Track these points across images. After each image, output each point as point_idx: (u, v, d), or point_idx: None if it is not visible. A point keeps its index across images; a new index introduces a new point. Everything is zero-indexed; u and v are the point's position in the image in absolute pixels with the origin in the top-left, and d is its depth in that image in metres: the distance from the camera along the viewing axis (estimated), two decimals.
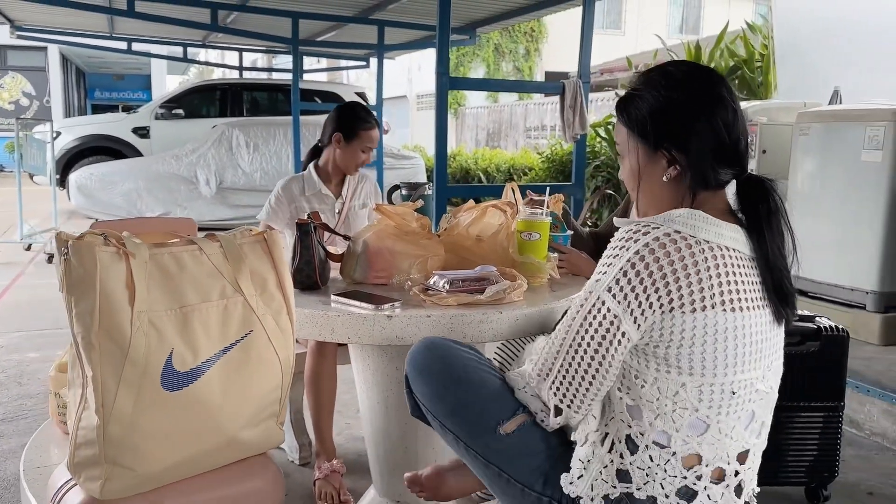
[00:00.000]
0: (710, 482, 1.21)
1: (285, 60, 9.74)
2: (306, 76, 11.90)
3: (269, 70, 16.75)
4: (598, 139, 7.13)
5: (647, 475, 1.20)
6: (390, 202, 2.57)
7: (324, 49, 10.05)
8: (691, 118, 1.24)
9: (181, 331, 1.28)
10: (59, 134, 9.66)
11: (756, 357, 1.20)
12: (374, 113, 2.88)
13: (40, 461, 1.65)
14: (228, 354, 1.34)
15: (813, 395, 2.40)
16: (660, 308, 1.15)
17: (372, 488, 2.34)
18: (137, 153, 9.74)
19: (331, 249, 2.17)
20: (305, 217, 1.99)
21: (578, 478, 1.26)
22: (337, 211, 2.94)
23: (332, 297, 1.87)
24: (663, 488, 1.20)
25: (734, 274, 1.17)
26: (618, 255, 1.18)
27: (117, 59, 19.84)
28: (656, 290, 1.14)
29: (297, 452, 2.70)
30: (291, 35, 7.58)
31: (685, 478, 1.20)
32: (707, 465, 1.20)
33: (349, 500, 2.31)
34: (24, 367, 4.23)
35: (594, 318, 1.19)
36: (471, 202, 2.27)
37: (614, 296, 1.16)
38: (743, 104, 4.97)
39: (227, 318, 1.36)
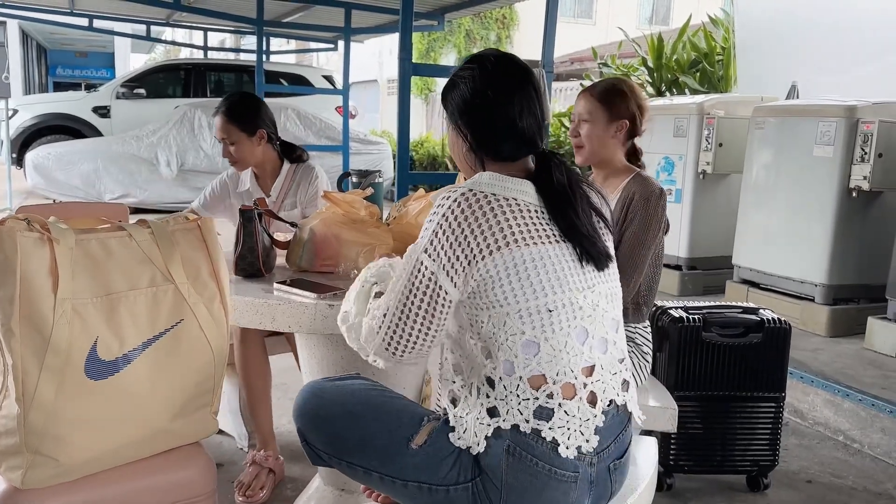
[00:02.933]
0: (564, 399, 1.30)
1: (253, 41, 9.60)
2: (274, 58, 11.74)
3: (237, 51, 16.48)
4: (563, 128, 7.15)
5: (507, 404, 1.31)
6: (340, 190, 2.53)
7: (290, 31, 9.92)
8: (477, 103, 1.45)
9: (107, 319, 1.26)
10: (15, 112, 9.42)
11: (561, 280, 1.35)
12: (223, 100, 2.69)
13: None
14: (157, 343, 1.32)
15: (755, 386, 2.45)
16: (465, 259, 1.32)
17: (317, 476, 2.33)
18: (97, 133, 9.53)
19: (277, 236, 2.15)
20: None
21: (464, 432, 1.34)
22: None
23: (275, 285, 1.86)
24: (521, 413, 1.30)
25: (522, 218, 1.35)
26: (430, 219, 1.36)
27: (80, 36, 19.35)
28: (459, 244, 1.32)
29: (245, 440, 2.68)
30: (256, 15, 7.46)
31: (537, 398, 1.30)
32: (554, 383, 1.31)
33: (256, 497, 2.28)
34: None
35: (416, 278, 1.36)
36: (420, 191, 2.26)
37: (429, 255, 1.34)
38: (701, 97, 5.03)
39: (157, 306, 1.34)
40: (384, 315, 1.39)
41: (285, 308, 1.74)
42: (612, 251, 1.46)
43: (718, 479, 2.55)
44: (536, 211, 1.38)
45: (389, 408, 1.46)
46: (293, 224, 2.12)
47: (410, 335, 1.37)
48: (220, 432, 2.72)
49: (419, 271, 1.35)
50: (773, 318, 2.46)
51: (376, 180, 2.46)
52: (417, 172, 8.19)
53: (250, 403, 2.42)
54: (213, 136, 8.34)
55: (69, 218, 1.37)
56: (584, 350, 1.35)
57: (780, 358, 2.46)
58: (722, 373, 2.43)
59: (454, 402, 1.41)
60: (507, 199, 1.35)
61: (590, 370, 1.35)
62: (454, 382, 1.42)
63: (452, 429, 1.36)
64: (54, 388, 1.19)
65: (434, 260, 1.33)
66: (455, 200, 1.34)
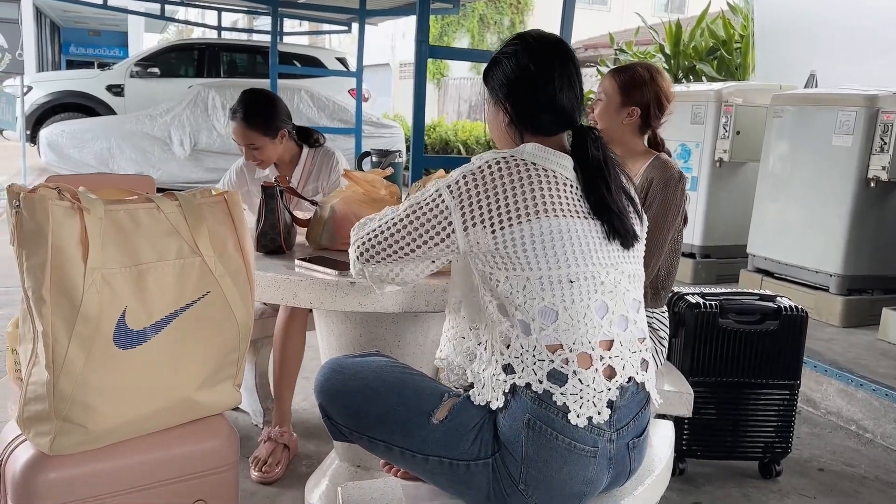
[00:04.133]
0: (579, 367, 1.32)
1: (266, 22, 9.55)
2: (287, 39, 11.69)
3: (250, 31, 16.43)
4: None
5: (521, 362, 1.33)
6: (360, 169, 2.52)
7: (304, 11, 9.85)
8: (519, 77, 1.48)
9: (136, 289, 1.27)
10: (30, 88, 9.43)
11: (586, 254, 1.36)
12: (238, 105, 2.59)
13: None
14: (184, 314, 1.33)
15: (771, 373, 2.45)
16: (489, 214, 1.34)
17: (333, 453, 2.35)
18: (111, 111, 9.53)
19: (298, 214, 2.15)
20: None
21: (482, 388, 1.37)
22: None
23: (297, 261, 1.87)
24: (535, 374, 1.32)
25: (557, 190, 1.37)
26: (465, 166, 1.40)
27: (94, 14, 19.30)
28: (488, 201, 1.35)
29: (261, 416, 2.70)
30: None
31: (552, 361, 1.32)
32: (570, 351, 1.32)
33: (272, 473, 2.30)
34: None
35: (427, 204, 1.40)
36: (441, 171, 2.26)
37: (451, 192, 1.37)
38: (719, 84, 4.99)
39: (184, 278, 1.35)
40: (380, 219, 1.46)
41: (307, 284, 1.74)
42: (639, 232, 1.47)
43: (730, 464, 2.55)
44: (571, 186, 1.41)
45: (410, 383, 1.47)
46: (314, 202, 2.13)
47: (390, 247, 1.43)
48: (235, 409, 2.75)
49: (434, 199, 1.39)
50: (790, 306, 2.45)
51: (396, 160, 2.46)
52: (431, 156, 8.15)
53: (279, 378, 2.43)
54: (226, 116, 8.35)
55: (98, 188, 1.38)
56: (602, 324, 1.36)
57: (796, 346, 2.46)
58: (737, 359, 2.43)
59: (472, 358, 1.46)
60: (546, 170, 1.38)
61: (608, 344, 1.36)
62: (470, 340, 1.47)
63: (471, 398, 1.38)
64: (83, 355, 1.20)
65: (454, 198, 1.37)
66: (496, 161, 1.38)
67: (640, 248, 1.48)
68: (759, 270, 4.29)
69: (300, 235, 2.14)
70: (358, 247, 1.49)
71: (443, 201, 1.38)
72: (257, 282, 1.71)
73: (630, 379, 1.38)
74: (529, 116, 1.48)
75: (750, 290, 2.57)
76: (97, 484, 1.28)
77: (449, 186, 1.38)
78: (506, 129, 1.51)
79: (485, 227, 1.35)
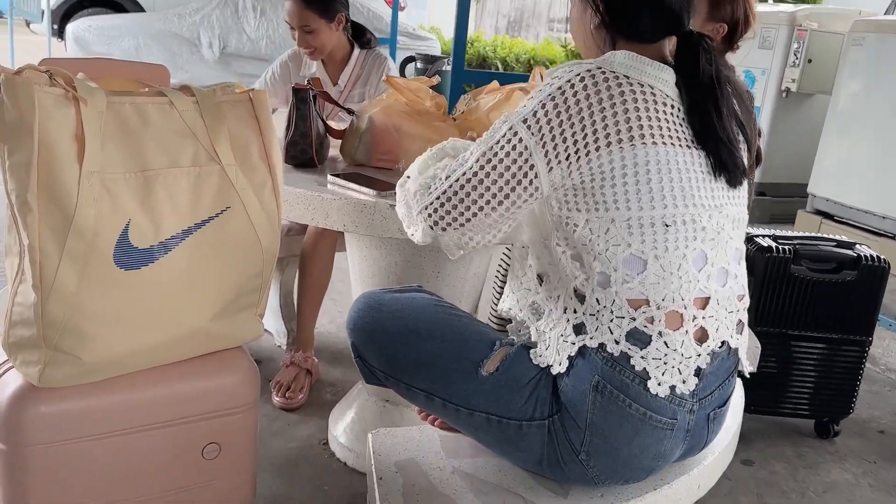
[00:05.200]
0: (666, 328, 1.10)
1: None
2: None
3: None
4: None
5: (596, 320, 1.12)
6: (402, 76, 2.27)
7: None
8: None
9: (142, 199, 1.07)
10: None
11: (686, 192, 1.14)
12: None
13: None
14: (199, 232, 1.13)
15: (841, 328, 2.22)
16: (575, 146, 1.11)
17: (360, 383, 2.20)
18: (139, 8, 9.22)
19: (331, 124, 1.92)
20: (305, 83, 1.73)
21: (546, 349, 1.16)
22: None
23: (329, 177, 1.65)
24: (612, 332, 1.11)
25: (655, 111, 1.13)
26: (541, 89, 1.15)
27: None
28: (572, 126, 1.11)
29: (284, 337, 2.56)
30: None
31: (633, 318, 1.10)
32: (658, 308, 1.10)
33: (295, 399, 2.17)
34: None
35: (503, 148, 1.15)
36: (494, 83, 2.00)
37: (529, 127, 1.13)
38: (791, 7, 4.57)
39: (200, 190, 1.14)
40: (447, 177, 1.20)
41: (341, 204, 1.53)
42: (747, 167, 1.22)
43: (784, 421, 2.37)
44: (672, 105, 1.15)
45: (457, 327, 1.26)
46: (350, 111, 1.89)
47: (468, 209, 1.18)
48: None
49: (509, 141, 1.14)
50: (870, 256, 2.20)
51: (444, 67, 2.19)
52: (473, 71, 7.73)
53: (303, 301, 2.27)
54: (256, 19, 8.01)
55: (101, 77, 1.16)
56: (700, 277, 1.13)
57: (874, 299, 2.23)
58: (807, 310, 2.21)
59: (537, 314, 1.23)
60: (642, 85, 1.13)
61: (704, 302, 1.14)
62: (537, 293, 1.25)
63: (530, 348, 1.18)
64: (77, 275, 1.01)
65: (534, 134, 1.12)
66: (579, 75, 1.12)
67: (746, 187, 1.23)
68: (818, 212, 4.01)
69: (333, 147, 1.91)
70: (430, 214, 1.22)
71: (520, 141, 1.13)
72: (284, 198, 1.50)
73: (723, 343, 1.17)
74: (625, 16, 1.21)
75: (827, 236, 2.32)
76: (93, 421, 1.11)
77: (525, 121, 1.13)
78: (593, 32, 1.25)
79: (569, 160, 1.11)
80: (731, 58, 2.01)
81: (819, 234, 2.33)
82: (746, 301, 1.23)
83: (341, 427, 2.11)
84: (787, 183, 4.38)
